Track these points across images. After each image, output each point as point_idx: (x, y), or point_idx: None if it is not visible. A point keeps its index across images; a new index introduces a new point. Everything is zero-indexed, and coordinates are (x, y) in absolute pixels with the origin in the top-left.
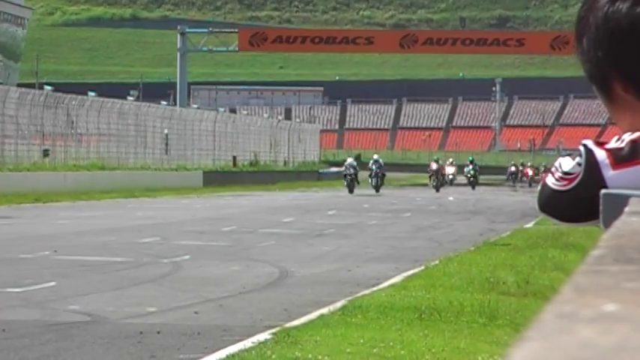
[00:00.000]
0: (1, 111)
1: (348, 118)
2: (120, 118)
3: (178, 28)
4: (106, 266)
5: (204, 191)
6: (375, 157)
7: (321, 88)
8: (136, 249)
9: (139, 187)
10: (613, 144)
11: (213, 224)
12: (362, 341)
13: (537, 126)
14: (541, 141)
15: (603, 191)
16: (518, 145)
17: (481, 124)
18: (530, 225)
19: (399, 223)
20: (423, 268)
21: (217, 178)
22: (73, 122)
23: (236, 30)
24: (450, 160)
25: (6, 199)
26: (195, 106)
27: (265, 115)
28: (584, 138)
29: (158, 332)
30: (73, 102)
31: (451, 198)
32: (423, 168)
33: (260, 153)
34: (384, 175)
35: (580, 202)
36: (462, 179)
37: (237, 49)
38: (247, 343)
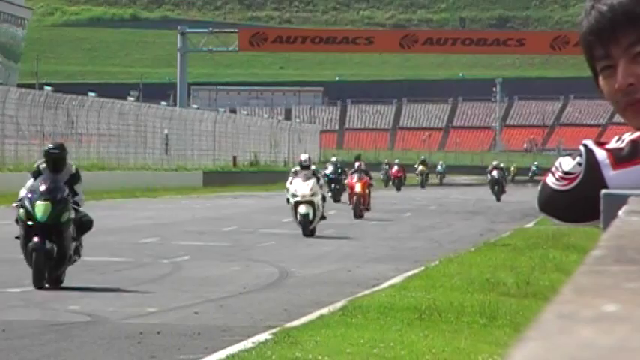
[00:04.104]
0: (1, 111)
1: (348, 119)
2: (120, 119)
3: (178, 28)
4: (106, 266)
5: (205, 191)
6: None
7: (321, 88)
8: (136, 249)
9: (139, 187)
10: (613, 144)
11: (213, 224)
12: (362, 341)
13: (537, 126)
14: (541, 141)
15: (603, 191)
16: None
17: (481, 124)
18: (530, 225)
19: (399, 223)
20: (423, 268)
21: (217, 179)
22: (73, 122)
23: (236, 30)
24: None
25: (6, 199)
26: (195, 106)
27: (265, 116)
28: (585, 138)
29: (158, 332)
30: (73, 102)
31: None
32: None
33: (260, 153)
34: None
35: (580, 202)
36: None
37: (237, 49)
38: (247, 343)
